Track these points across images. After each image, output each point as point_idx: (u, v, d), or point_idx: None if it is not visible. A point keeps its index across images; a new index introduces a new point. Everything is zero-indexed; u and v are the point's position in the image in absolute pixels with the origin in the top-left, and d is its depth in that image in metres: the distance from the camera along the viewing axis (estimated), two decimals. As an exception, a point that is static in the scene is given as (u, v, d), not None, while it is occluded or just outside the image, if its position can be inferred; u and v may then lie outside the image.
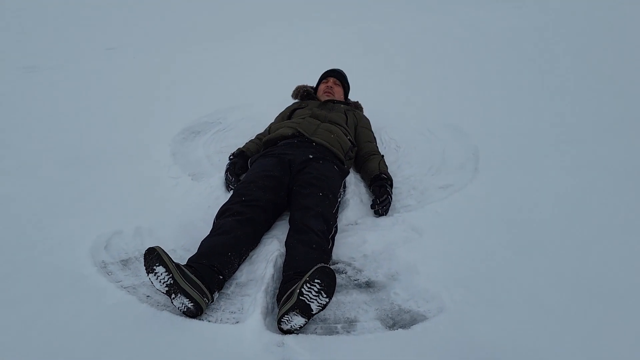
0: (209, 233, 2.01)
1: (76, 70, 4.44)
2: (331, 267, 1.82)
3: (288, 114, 2.91)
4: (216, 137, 3.14)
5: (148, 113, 3.50)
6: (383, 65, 4.80)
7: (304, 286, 1.61)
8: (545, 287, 1.87)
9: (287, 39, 5.37)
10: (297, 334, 1.68)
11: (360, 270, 2.03)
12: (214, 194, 2.46)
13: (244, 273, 1.99)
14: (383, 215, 2.33)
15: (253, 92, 3.87)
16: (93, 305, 1.77)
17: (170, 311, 1.76)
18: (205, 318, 1.75)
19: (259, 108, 3.54)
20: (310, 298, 1.62)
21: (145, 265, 1.73)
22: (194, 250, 2.07)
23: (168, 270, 1.69)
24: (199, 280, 1.73)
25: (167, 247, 2.08)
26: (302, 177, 2.25)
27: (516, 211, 2.36)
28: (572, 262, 2.01)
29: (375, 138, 2.87)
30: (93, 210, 2.34)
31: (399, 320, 1.76)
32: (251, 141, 2.75)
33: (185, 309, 1.72)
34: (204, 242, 1.94)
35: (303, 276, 1.69)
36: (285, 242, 2.00)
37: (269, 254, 2.01)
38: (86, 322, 1.69)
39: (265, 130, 2.80)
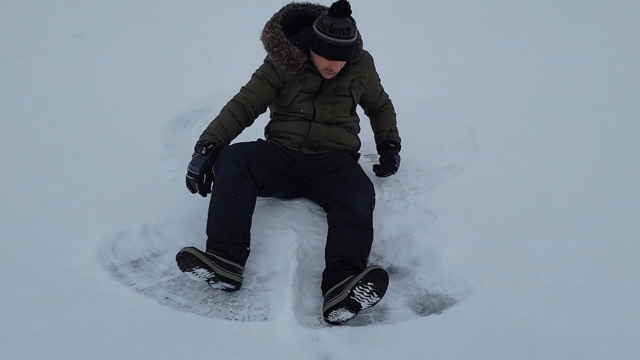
0: (214, 180, 1.96)
1: (44, 60, 4.17)
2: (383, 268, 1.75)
3: (289, 101, 2.17)
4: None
5: (132, 103, 3.33)
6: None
7: (356, 288, 1.57)
8: (568, 264, 1.89)
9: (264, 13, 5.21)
10: (330, 326, 1.65)
11: (380, 257, 2.00)
12: (218, 186, 2.37)
13: (262, 267, 1.93)
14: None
15: (238, 75, 3.73)
16: (110, 312, 1.67)
17: (193, 312, 1.69)
18: (232, 317, 1.69)
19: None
20: (362, 298, 1.59)
21: (181, 267, 1.68)
22: (203, 245, 1.99)
23: (209, 269, 1.67)
24: (235, 262, 1.78)
25: (177, 245, 2.00)
26: (326, 169, 2.16)
27: (525, 188, 2.38)
28: (594, 236, 2.04)
29: (380, 82, 2.43)
30: (90, 208, 2.21)
31: (428, 305, 1.75)
32: (218, 128, 2.11)
33: (224, 289, 1.78)
34: (218, 208, 1.86)
35: (351, 267, 1.69)
36: (329, 218, 1.93)
37: (288, 245, 1.95)
38: (105, 330, 1.59)
39: (238, 105, 2.16)
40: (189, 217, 2.18)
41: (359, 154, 2.38)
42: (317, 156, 2.20)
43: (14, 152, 2.68)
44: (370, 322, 1.68)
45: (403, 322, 1.67)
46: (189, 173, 1.98)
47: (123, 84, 3.80)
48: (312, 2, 2.20)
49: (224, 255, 1.75)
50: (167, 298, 1.76)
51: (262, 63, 2.22)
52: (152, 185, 2.40)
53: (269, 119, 2.36)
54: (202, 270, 1.67)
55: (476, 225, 2.12)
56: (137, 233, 2.05)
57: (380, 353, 1.55)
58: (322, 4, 2.21)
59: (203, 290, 1.81)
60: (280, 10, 2.16)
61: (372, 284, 1.58)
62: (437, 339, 1.60)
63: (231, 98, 2.20)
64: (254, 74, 2.23)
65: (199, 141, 2.06)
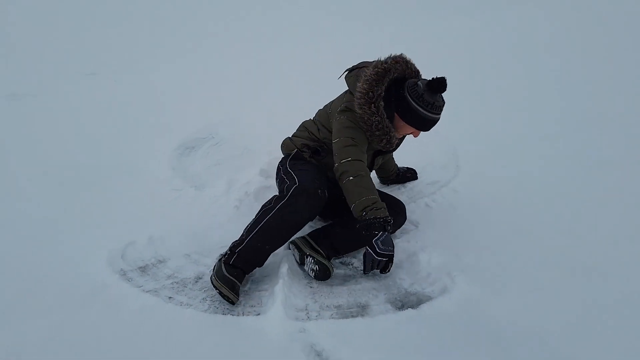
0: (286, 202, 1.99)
1: (57, 96, 4.48)
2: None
3: (371, 159, 2.29)
4: (212, 150, 3.27)
5: (139, 133, 3.59)
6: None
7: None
8: (535, 266, 2.07)
9: (256, 53, 5.54)
10: (317, 320, 1.82)
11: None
12: (218, 203, 2.59)
13: (257, 270, 2.11)
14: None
15: (237, 105, 4.01)
16: (119, 309, 1.86)
17: (194, 309, 1.88)
18: (228, 312, 1.87)
19: (247, 120, 3.68)
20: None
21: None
22: (206, 254, 2.21)
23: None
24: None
25: (180, 254, 2.20)
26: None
27: (501, 201, 2.58)
28: (559, 242, 2.22)
29: None
30: (102, 224, 2.43)
31: (407, 302, 1.92)
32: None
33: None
34: (271, 233, 1.98)
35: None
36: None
37: (280, 250, 2.14)
38: (114, 326, 1.79)
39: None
40: (192, 229, 2.39)
41: None
42: None
43: (34, 176, 2.92)
44: (352, 316, 1.85)
45: (382, 316, 1.84)
46: (380, 254, 1.91)
47: (132, 115, 4.08)
48: (405, 58, 2.13)
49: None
50: (170, 298, 1.94)
51: (351, 124, 2.09)
52: (158, 202, 2.62)
53: (317, 143, 2.30)
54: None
55: (454, 233, 2.31)
56: (144, 243, 2.26)
57: (361, 342, 1.72)
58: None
59: (203, 291, 2.00)
60: (384, 80, 2.05)
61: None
62: (413, 329, 1.77)
63: (352, 172, 2.00)
64: (350, 138, 2.06)
65: (381, 218, 1.92)
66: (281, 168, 2.30)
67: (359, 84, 2.06)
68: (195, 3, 7.44)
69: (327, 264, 2.04)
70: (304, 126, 2.41)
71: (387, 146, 2.13)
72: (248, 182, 2.72)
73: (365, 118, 2.05)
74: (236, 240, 1.99)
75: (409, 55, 2.16)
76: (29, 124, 3.86)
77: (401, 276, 2.07)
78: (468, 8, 7.92)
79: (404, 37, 5.75)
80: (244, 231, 2.02)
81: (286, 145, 2.41)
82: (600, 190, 2.65)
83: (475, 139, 3.46)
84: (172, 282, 2.04)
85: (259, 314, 1.86)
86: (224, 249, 2.22)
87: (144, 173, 2.95)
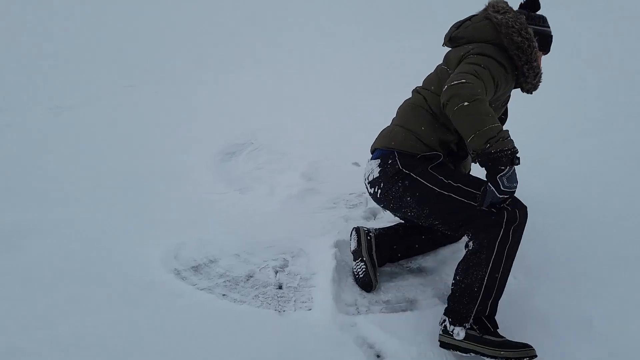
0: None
1: (101, 107, 4.66)
2: None
3: (504, 100, 2.01)
4: (251, 155, 3.37)
5: (182, 139, 3.71)
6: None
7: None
8: (580, 256, 2.09)
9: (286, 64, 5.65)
10: (366, 314, 1.88)
11: (410, 259, 2.23)
12: (262, 205, 2.67)
13: (304, 269, 2.18)
14: None
15: (274, 113, 4.11)
16: (176, 305, 1.96)
17: (248, 305, 1.96)
18: (281, 309, 1.94)
19: (284, 127, 3.77)
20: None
21: None
22: (255, 254, 2.29)
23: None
24: None
25: (230, 253, 2.29)
26: None
27: (547, 192, 2.58)
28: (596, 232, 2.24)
29: None
30: (153, 225, 2.53)
31: (454, 297, 1.96)
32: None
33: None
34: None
35: None
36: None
37: (327, 249, 2.21)
38: (173, 320, 1.88)
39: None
40: (237, 231, 2.47)
41: None
42: None
43: (86, 184, 3.06)
44: (402, 310, 1.91)
45: (431, 310, 1.89)
46: (503, 192, 1.63)
47: (174, 123, 4.21)
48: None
49: None
50: (224, 295, 2.03)
51: (485, 64, 1.77)
52: (203, 205, 2.72)
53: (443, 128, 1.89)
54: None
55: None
56: (194, 244, 2.35)
57: (411, 335, 1.78)
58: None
59: (254, 288, 2.07)
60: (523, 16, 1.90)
61: None
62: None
63: (466, 96, 1.63)
64: (474, 71, 1.72)
65: (508, 150, 1.60)
66: (424, 179, 1.83)
67: (498, 16, 1.87)
68: (233, 16, 7.66)
69: (373, 280, 2.01)
70: (413, 110, 1.95)
71: (538, 83, 1.97)
72: (290, 185, 2.80)
73: (525, 46, 1.84)
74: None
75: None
76: (75, 135, 4.02)
77: (447, 272, 2.11)
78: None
79: (432, 43, 5.77)
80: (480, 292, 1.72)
81: (402, 139, 1.90)
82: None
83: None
84: (225, 281, 2.12)
85: (310, 309, 1.92)
86: (271, 249, 2.33)
87: (187, 179, 3.05)
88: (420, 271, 2.14)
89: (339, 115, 3.86)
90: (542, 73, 1.96)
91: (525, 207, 1.73)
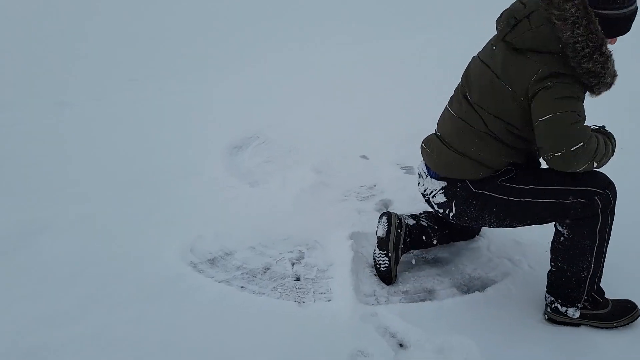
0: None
1: (107, 103, 4.64)
2: None
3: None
4: (259, 148, 3.37)
5: (191, 135, 3.70)
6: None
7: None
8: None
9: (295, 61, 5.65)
10: (386, 304, 1.90)
11: (426, 249, 2.25)
12: (275, 198, 2.68)
13: (321, 260, 2.20)
14: None
15: (282, 109, 4.11)
16: (196, 298, 1.97)
17: (267, 296, 1.97)
18: (300, 300, 1.95)
19: (292, 122, 3.77)
20: None
21: None
22: (271, 246, 2.30)
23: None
24: None
25: (245, 246, 2.30)
26: None
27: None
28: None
29: None
30: (168, 220, 2.53)
31: (472, 286, 1.99)
32: None
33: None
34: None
35: None
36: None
37: (343, 240, 2.22)
38: (194, 313, 1.90)
39: None
40: (251, 224, 2.47)
41: None
42: None
43: (103, 181, 3.04)
44: (421, 300, 1.93)
45: (450, 299, 1.91)
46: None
47: (181, 120, 4.19)
48: None
49: None
50: (242, 287, 2.04)
51: (569, 93, 1.63)
52: (217, 199, 2.72)
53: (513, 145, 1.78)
54: None
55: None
56: (210, 237, 2.36)
57: (432, 324, 1.80)
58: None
59: (272, 280, 2.09)
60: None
61: None
62: (482, 311, 1.84)
63: (595, 157, 1.67)
64: (575, 113, 1.63)
65: (613, 150, 1.78)
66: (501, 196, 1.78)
67: (575, 30, 1.56)
68: (238, 14, 7.64)
69: (393, 277, 2.02)
70: (476, 136, 1.78)
71: (614, 79, 1.69)
72: (302, 178, 2.81)
73: (611, 64, 1.64)
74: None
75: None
76: (87, 131, 4.00)
77: (463, 262, 2.13)
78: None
79: (438, 41, 5.78)
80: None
81: (471, 171, 1.81)
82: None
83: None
84: (242, 273, 2.13)
85: (330, 300, 1.94)
86: (287, 241, 2.34)
87: (199, 173, 3.04)
88: (436, 262, 2.15)
89: (344, 111, 3.87)
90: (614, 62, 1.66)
91: (613, 184, 1.74)
